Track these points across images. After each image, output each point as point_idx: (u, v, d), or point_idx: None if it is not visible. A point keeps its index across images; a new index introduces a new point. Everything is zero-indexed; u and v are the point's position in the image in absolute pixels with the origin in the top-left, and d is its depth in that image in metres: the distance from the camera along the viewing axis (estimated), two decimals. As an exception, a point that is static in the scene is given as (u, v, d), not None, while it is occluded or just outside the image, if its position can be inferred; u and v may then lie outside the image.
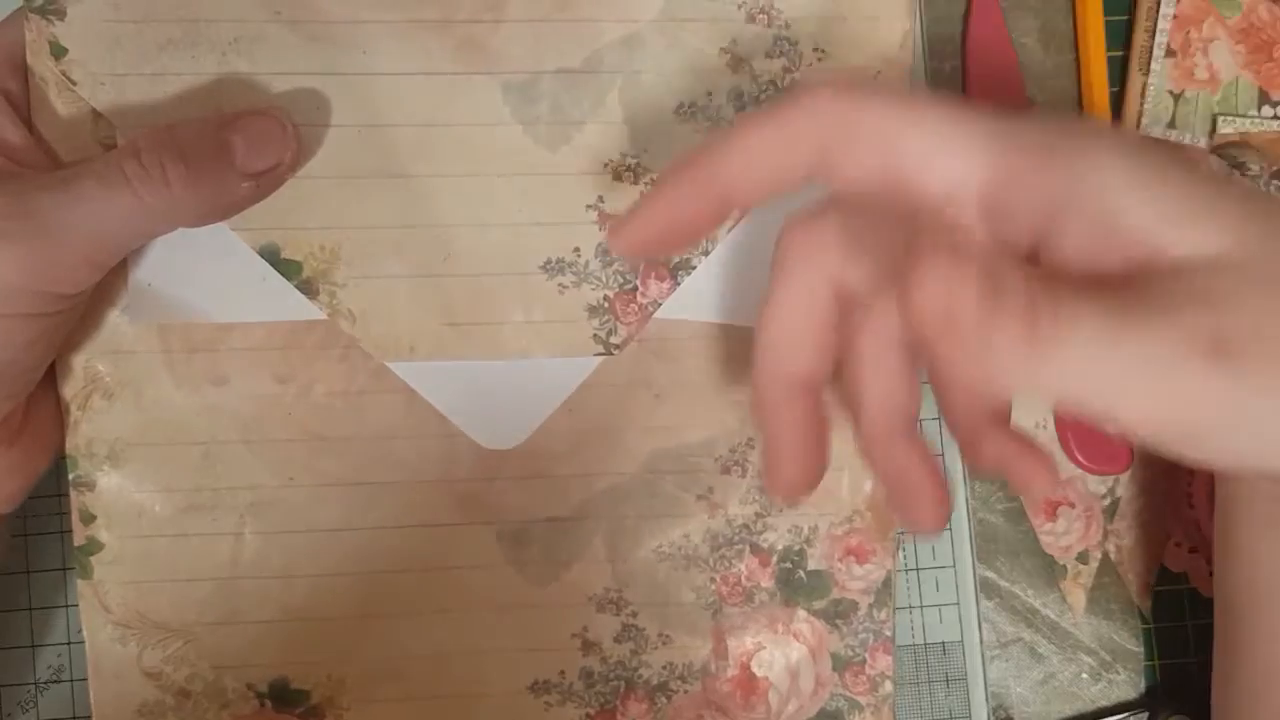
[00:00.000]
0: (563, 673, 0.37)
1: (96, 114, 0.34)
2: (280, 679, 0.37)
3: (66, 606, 0.38)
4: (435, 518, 0.36)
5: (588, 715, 0.38)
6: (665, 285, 0.35)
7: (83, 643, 0.37)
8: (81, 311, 0.34)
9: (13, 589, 0.37)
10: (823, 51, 0.35)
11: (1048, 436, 0.40)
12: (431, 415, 0.36)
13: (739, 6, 0.34)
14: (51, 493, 0.37)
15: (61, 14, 0.33)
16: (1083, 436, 0.39)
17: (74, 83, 0.33)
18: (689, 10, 0.34)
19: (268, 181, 0.33)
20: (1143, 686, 0.41)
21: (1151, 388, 0.22)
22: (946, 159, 0.24)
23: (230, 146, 0.32)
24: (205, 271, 0.35)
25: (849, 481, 0.37)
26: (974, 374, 0.22)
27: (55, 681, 0.38)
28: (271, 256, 0.34)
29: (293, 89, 0.34)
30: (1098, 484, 0.40)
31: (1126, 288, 0.22)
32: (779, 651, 0.38)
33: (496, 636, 0.37)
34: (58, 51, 0.33)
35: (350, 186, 0.34)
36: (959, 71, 0.39)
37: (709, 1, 0.34)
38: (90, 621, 0.36)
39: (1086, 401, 0.22)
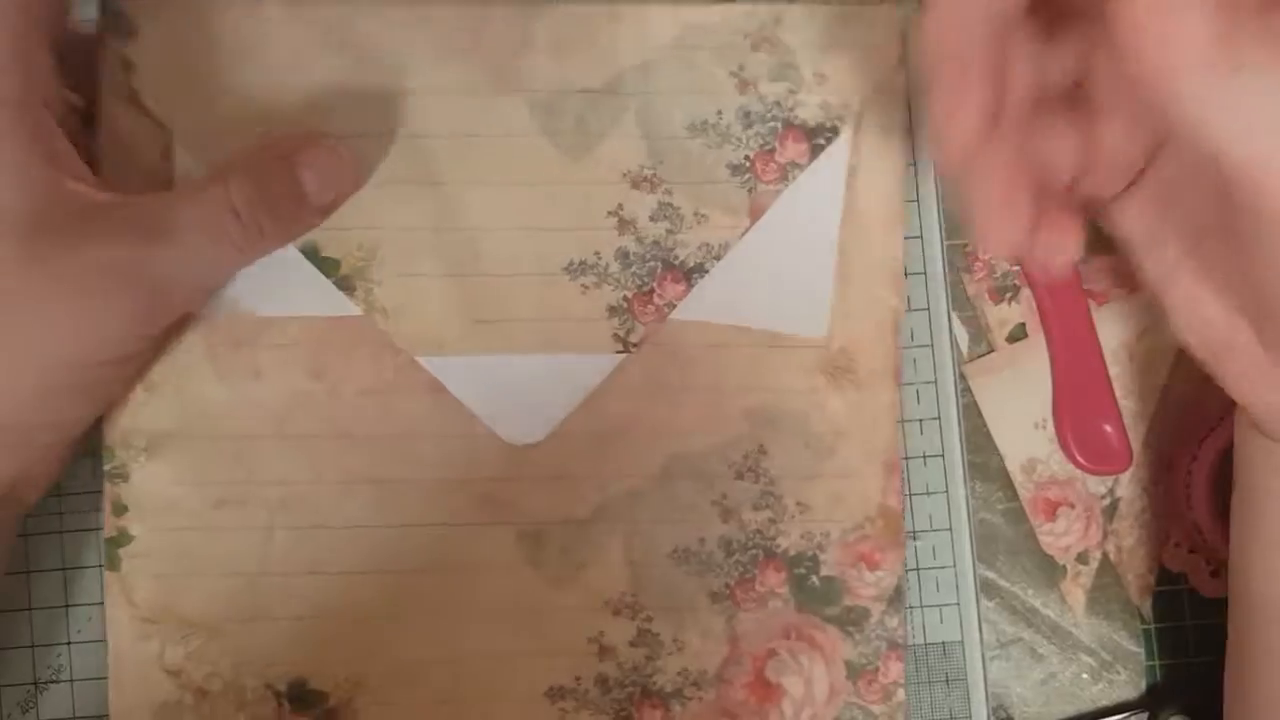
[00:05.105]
0: (578, 679, 0.38)
1: (160, 128, 0.37)
2: (299, 679, 0.37)
3: (66, 606, 0.38)
4: (457, 517, 0.38)
5: (603, 723, 0.38)
6: (680, 288, 0.38)
7: (83, 642, 0.38)
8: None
9: (13, 589, 0.38)
10: (823, 75, 0.38)
11: (1047, 437, 0.40)
12: (455, 414, 0.37)
13: (745, 36, 0.38)
14: (51, 493, 0.37)
15: (134, 33, 0.36)
16: (1082, 436, 0.40)
17: (140, 96, 0.36)
18: (700, 39, 0.38)
19: (333, 209, 0.36)
20: (1143, 686, 0.40)
21: None
22: None
23: (303, 185, 0.35)
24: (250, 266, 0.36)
25: (860, 487, 0.38)
26: (1143, 61, 0.24)
27: (55, 681, 0.38)
28: (311, 255, 0.37)
29: (341, 104, 0.37)
30: (1097, 484, 0.41)
31: None
32: (793, 658, 0.38)
33: (514, 639, 0.38)
34: (127, 67, 0.36)
35: (388, 191, 0.37)
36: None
37: (717, 31, 0.38)
38: (114, 616, 0.37)
39: (1240, 139, 0.24)
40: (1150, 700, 0.40)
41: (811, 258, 0.38)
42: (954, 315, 0.41)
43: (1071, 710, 0.40)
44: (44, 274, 0.31)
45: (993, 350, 0.41)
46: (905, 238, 0.39)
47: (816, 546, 0.38)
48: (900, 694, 0.38)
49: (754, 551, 0.38)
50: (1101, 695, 0.40)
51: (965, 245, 0.41)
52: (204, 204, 0.33)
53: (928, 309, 0.40)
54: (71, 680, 0.38)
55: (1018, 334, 0.41)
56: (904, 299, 0.39)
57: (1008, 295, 0.41)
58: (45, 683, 0.38)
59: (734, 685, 0.38)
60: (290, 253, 0.37)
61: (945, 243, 0.40)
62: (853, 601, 0.38)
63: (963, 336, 0.41)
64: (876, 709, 0.38)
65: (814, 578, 0.38)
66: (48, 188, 0.31)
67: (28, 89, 0.32)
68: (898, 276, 0.38)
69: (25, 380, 0.32)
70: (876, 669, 0.38)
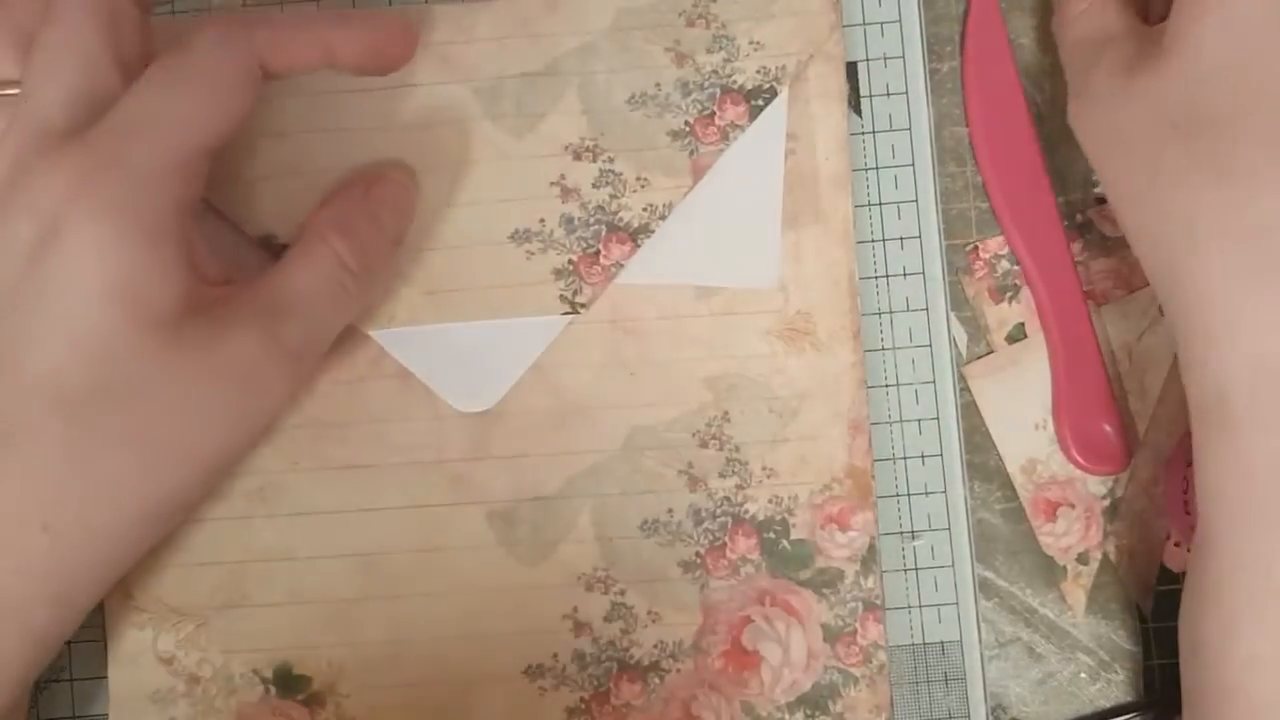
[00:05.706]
0: (555, 655, 0.38)
1: None
2: (284, 664, 0.38)
3: (65, 606, 0.40)
4: (428, 499, 0.39)
5: (581, 700, 0.38)
6: (626, 248, 0.38)
7: (83, 642, 0.39)
8: None
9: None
10: (758, 43, 0.38)
11: (1047, 437, 0.40)
12: (422, 398, 0.39)
13: (679, 14, 0.39)
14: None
15: None
16: (1082, 436, 0.39)
17: None
18: (636, 20, 0.39)
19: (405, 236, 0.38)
20: (1141, 687, 0.39)
21: None
22: None
23: (386, 224, 0.37)
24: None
25: (825, 449, 0.38)
26: None
27: (55, 681, 0.39)
28: (273, 240, 0.38)
29: (292, 102, 0.39)
30: (1097, 484, 0.40)
31: None
32: (769, 624, 0.38)
33: (490, 619, 0.38)
34: None
35: (338, 180, 0.38)
36: (958, 72, 0.41)
37: (652, 11, 0.39)
38: (112, 606, 0.38)
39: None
40: (1148, 701, 0.39)
41: (756, 210, 0.38)
42: (953, 315, 0.40)
43: (1070, 710, 0.39)
44: (194, 372, 0.32)
45: (992, 351, 0.40)
46: (904, 238, 0.40)
47: (785, 510, 0.38)
48: (881, 656, 0.37)
49: (723, 519, 0.38)
50: (1100, 695, 0.39)
51: (965, 245, 0.41)
52: (317, 269, 0.34)
53: (926, 309, 0.40)
54: (71, 680, 0.39)
55: (1017, 334, 0.40)
56: (854, 258, 0.39)
57: (1007, 295, 0.40)
58: (45, 682, 0.39)
59: (711, 655, 0.38)
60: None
61: (944, 243, 0.40)
62: (825, 563, 0.38)
63: (961, 337, 0.40)
64: (857, 672, 0.37)
65: (784, 542, 0.38)
66: (189, 288, 0.32)
67: (187, 195, 0.32)
68: (850, 237, 0.38)
69: (184, 475, 0.33)
70: (854, 631, 0.38)
